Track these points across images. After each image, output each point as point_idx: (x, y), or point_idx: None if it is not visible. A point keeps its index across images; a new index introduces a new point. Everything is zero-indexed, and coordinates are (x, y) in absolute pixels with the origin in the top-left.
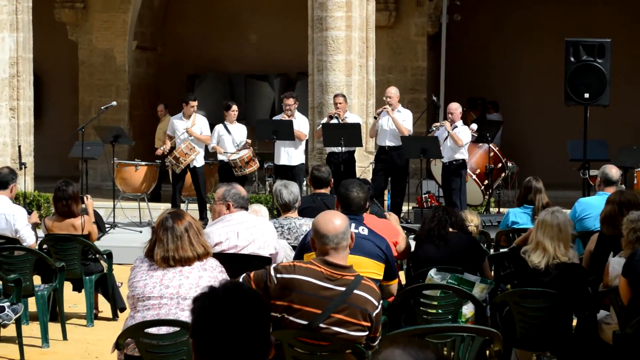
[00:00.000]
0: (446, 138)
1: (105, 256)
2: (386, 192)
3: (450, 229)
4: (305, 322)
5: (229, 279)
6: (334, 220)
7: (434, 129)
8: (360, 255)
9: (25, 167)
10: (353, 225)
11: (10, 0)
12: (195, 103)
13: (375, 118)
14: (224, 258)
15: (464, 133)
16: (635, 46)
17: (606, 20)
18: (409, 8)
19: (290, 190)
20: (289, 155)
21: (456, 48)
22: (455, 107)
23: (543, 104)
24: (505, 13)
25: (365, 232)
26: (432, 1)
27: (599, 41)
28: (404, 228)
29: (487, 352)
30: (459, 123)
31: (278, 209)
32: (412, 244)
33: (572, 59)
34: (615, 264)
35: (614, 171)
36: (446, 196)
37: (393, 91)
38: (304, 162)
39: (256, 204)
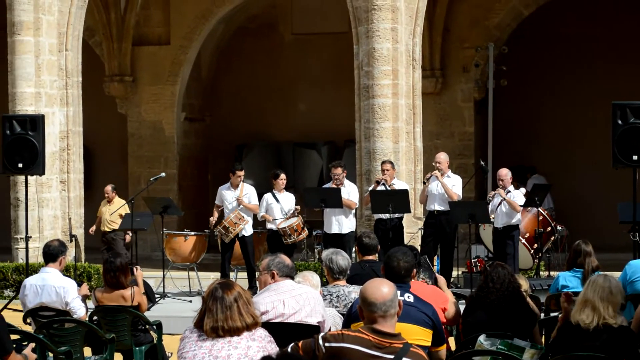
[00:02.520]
0: (499, 204)
1: (155, 327)
2: (435, 257)
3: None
4: None
5: (277, 348)
6: (382, 288)
7: (490, 199)
8: (408, 322)
9: (75, 239)
10: (399, 292)
11: (60, 75)
12: (242, 172)
13: (424, 183)
14: (271, 327)
15: (518, 198)
16: None
17: None
18: (455, 74)
19: (344, 256)
20: (340, 223)
21: (503, 113)
22: (505, 173)
23: (593, 167)
24: (552, 77)
25: (412, 299)
26: (479, 67)
27: None
28: (453, 293)
29: None
30: (511, 188)
31: (327, 277)
32: (462, 308)
33: (620, 122)
34: None
35: None
36: (499, 261)
37: (442, 157)
38: (354, 230)
39: (307, 271)
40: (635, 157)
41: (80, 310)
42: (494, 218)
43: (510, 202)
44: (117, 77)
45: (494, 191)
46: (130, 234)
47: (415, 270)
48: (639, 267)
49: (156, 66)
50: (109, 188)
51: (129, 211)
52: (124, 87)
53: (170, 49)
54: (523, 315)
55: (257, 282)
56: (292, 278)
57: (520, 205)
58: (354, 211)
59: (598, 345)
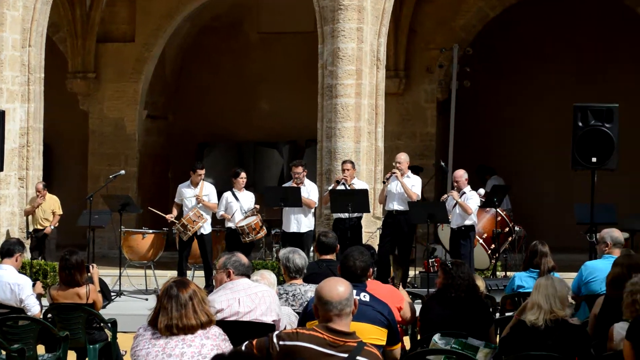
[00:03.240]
0: (454, 205)
1: (109, 324)
2: (392, 257)
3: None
4: None
5: (232, 347)
6: (338, 287)
7: (443, 200)
8: (363, 321)
9: (32, 236)
10: (355, 291)
11: (22, 71)
12: (202, 171)
13: (384, 183)
14: (226, 325)
15: (473, 200)
16: None
17: (615, 86)
18: (419, 75)
19: (301, 255)
20: (298, 222)
21: (466, 114)
22: (461, 175)
23: (552, 168)
24: (515, 79)
25: (367, 298)
26: (442, 68)
27: (606, 106)
28: (410, 293)
29: None
30: (467, 189)
31: (284, 276)
32: (417, 308)
33: (580, 124)
34: (620, 328)
35: (617, 234)
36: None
37: (403, 157)
38: (312, 229)
39: (264, 270)
40: (594, 160)
41: (34, 308)
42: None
43: (462, 204)
44: (80, 73)
45: (447, 194)
46: (52, 228)
47: (371, 269)
48: (595, 268)
49: (120, 63)
50: (40, 185)
51: (60, 209)
52: (87, 84)
53: (134, 47)
54: (481, 314)
55: (214, 281)
56: (249, 277)
57: (478, 206)
58: (313, 210)
59: (550, 344)
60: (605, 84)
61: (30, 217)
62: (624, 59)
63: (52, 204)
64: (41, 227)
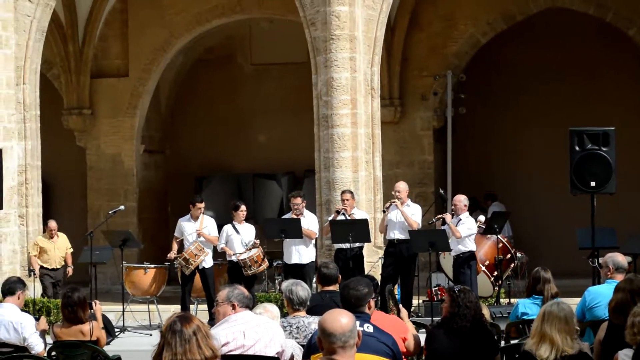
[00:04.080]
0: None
1: None
2: (396, 286)
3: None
4: None
5: None
6: (341, 319)
7: (434, 220)
8: (367, 352)
9: (34, 274)
10: (358, 323)
11: (18, 109)
12: (202, 205)
13: (384, 212)
14: (231, 359)
15: (466, 226)
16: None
17: (610, 108)
18: (414, 103)
19: (304, 287)
20: (300, 253)
21: (463, 141)
22: (460, 200)
23: (551, 193)
24: (510, 105)
25: (371, 329)
26: (437, 95)
27: (603, 130)
28: (413, 322)
29: None
30: (464, 215)
31: (287, 308)
32: (422, 337)
33: (577, 148)
34: (624, 355)
35: (620, 258)
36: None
37: (402, 186)
38: (314, 260)
39: (267, 303)
40: (592, 184)
41: (38, 346)
42: None
43: (451, 227)
44: (75, 110)
45: (441, 215)
46: (72, 267)
47: (372, 300)
48: (598, 293)
49: (115, 98)
50: (54, 224)
51: (70, 246)
52: (83, 120)
53: (128, 81)
54: (486, 344)
55: (215, 314)
56: (251, 309)
57: (475, 233)
58: (313, 241)
59: None
60: (600, 107)
61: (43, 256)
62: (617, 81)
63: (64, 242)
64: (58, 267)
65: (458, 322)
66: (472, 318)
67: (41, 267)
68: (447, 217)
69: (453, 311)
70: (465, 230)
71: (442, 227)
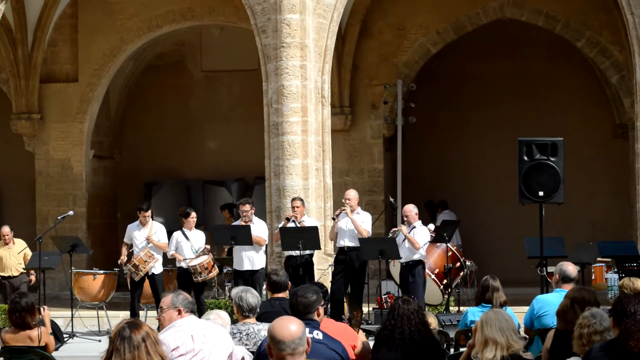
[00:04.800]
0: (404, 240)
1: None
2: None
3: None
4: None
5: None
6: (290, 326)
7: (391, 234)
8: (317, 359)
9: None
10: (307, 329)
11: None
12: (148, 213)
13: (334, 219)
14: None
15: (422, 235)
16: (587, 144)
17: (560, 119)
18: (364, 111)
19: (254, 294)
20: (251, 260)
21: (413, 149)
22: (410, 209)
23: (500, 202)
24: (460, 114)
25: (320, 336)
26: (387, 104)
27: (551, 140)
28: (364, 330)
29: None
30: (417, 224)
31: (237, 315)
32: (372, 344)
33: (526, 158)
34: None
35: (570, 268)
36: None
37: (352, 194)
38: (264, 266)
39: (218, 310)
40: (541, 193)
41: None
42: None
43: (410, 239)
44: (24, 114)
45: (396, 227)
46: (34, 275)
47: (321, 307)
48: (546, 302)
49: (64, 104)
50: (7, 230)
51: (29, 252)
52: (32, 125)
53: (78, 86)
54: (432, 351)
55: (160, 320)
56: (195, 314)
57: (429, 241)
58: (264, 248)
59: None
60: (549, 117)
61: None
62: (566, 91)
63: (21, 248)
64: (16, 274)
65: (397, 334)
66: (415, 328)
67: None
68: (403, 228)
69: (389, 323)
70: (422, 239)
71: (397, 239)
